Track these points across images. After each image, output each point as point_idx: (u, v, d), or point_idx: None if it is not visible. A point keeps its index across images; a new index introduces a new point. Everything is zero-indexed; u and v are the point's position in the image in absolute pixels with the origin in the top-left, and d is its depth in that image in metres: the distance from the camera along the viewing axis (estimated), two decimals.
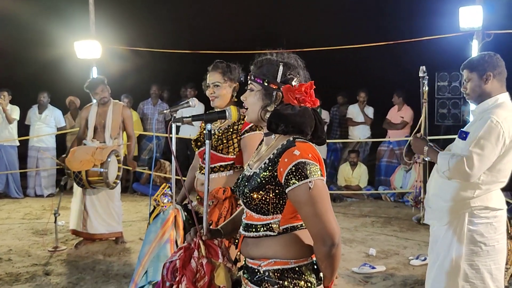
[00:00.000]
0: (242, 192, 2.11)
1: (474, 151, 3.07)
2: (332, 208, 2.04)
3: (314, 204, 1.95)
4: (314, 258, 2.06)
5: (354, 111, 9.85)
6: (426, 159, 3.45)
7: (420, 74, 4.20)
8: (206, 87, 3.45)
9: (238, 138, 3.31)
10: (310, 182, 1.94)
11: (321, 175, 1.99)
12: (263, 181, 2.03)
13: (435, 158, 3.27)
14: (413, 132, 3.65)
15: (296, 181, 1.95)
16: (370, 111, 9.81)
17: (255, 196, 2.04)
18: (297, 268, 2.02)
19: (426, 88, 4.23)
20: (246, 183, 2.11)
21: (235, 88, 3.43)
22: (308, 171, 1.95)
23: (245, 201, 2.09)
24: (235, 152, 3.32)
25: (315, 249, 1.99)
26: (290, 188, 1.97)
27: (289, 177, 1.96)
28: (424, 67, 4.31)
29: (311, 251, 2.04)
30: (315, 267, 2.07)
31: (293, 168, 1.96)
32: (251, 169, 2.16)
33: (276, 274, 2.02)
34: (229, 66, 3.43)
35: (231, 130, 3.33)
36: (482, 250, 3.20)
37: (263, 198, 2.03)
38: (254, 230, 2.09)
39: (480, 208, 3.20)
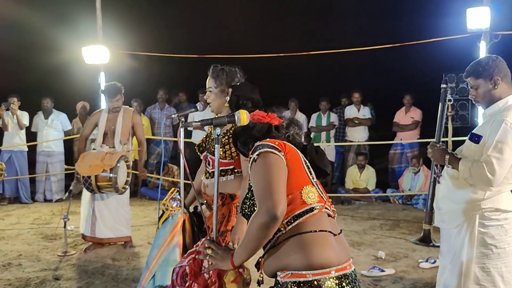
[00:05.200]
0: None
1: (493, 155, 3.05)
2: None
3: (257, 175, 2.02)
4: (338, 273, 1.99)
5: (352, 112, 9.84)
6: (447, 167, 3.39)
7: (443, 85, 3.88)
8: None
9: None
10: (255, 155, 2.06)
11: (273, 148, 2.05)
12: None
13: (457, 166, 3.23)
14: (431, 143, 3.56)
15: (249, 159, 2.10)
16: (366, 111, 9.78)
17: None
18: (315, 282, 1.95)
19: (451, 101, 3.86)
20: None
21: (227, 93, 3.36)
22: (258, 147, 2.07)
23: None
24: (232, 156, 3.31)
25: (252, 218, 2.00)
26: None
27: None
28: (447, 78, 4.00)
29: (329, 262, 1.98)
30: (338, 282, 1.98)
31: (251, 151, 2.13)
32: None
33: (294, 286, 1.97)
34: (222, 70, 3.38)
35: (228, 134, 3.32)
36: (493, 252, 3.18)
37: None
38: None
39: (490, 210, 3.18)
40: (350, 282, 2.01)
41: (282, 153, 2.06)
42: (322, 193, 2.15)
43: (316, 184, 2.14)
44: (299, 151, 2.17)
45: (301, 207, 2.02)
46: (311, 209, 2.03)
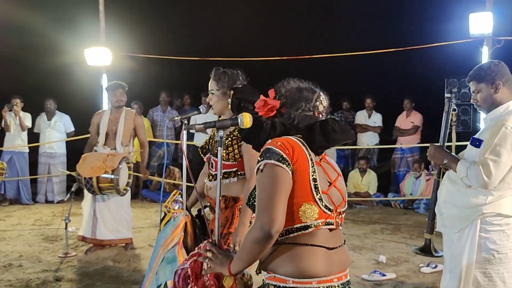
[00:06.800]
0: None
1: (490, 158, 3.06)
2: None
3: (260, 186, 2.00)
4: (320, 284, 2.00)
5: (362, 117, 9.83)
6: (446, 168, 3.38)
7: (447, 95, 3.75)
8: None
9: (238, 144, 3.32)
10: (262, 164, 2.01)
11: (280, 161, 1.98)
12: None
13: (455, 167, 3.24)
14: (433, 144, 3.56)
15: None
16: (378, 117, 9.78)
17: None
18: None
19: (456, 110, 3.76)
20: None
21: (229, 95, 3.37)
22: (267, 154, 2.01)
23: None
24: (236, 158, 3.32)
25: (248, 231, 2.00)
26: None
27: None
28: (451, 88, 3.92)
29: (314, 273, 1.99)
30: None
31: (260, 153, 2.07)
32: None
33: None
34: (224, 73, 3.41)
35: (231, 136, 3.34)
36: (494, 257, 3.18)
37: None
38: None
39: (492, 215, 3.18)
40: None
41: (290, 165, 1.99)
42: (328, 205, 2.06)
43: (321, 199, 2.04)
44: (309, 157, 2.06)
45: (295, 223, 2.01)
46: (305, 227, 2.01)
